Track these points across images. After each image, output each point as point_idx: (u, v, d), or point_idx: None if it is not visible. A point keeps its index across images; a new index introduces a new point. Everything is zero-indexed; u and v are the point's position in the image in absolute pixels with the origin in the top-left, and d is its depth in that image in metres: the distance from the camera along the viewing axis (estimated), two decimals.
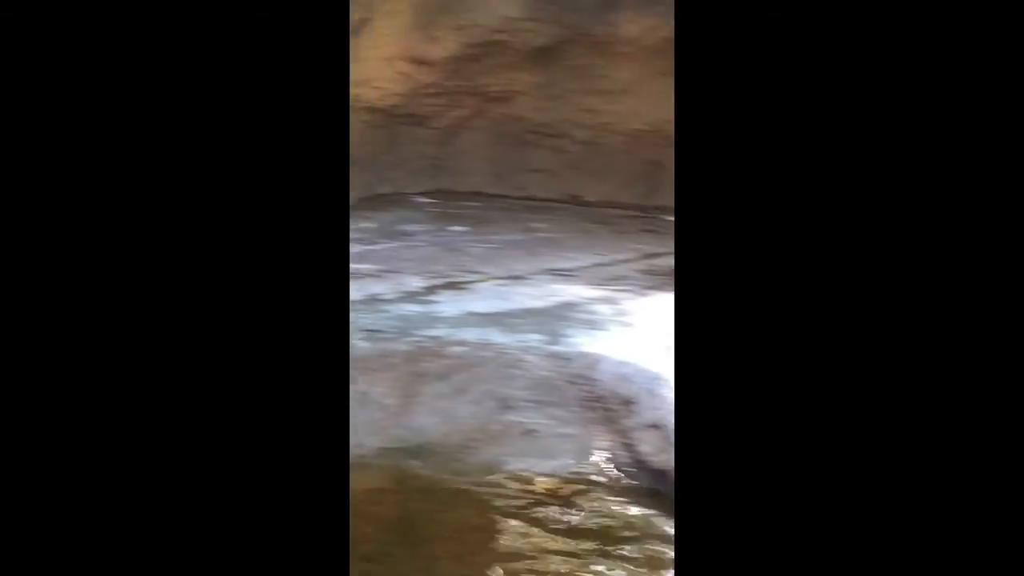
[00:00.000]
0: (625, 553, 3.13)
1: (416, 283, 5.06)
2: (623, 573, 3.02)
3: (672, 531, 3.23)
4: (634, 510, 3.37)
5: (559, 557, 3.10)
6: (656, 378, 3.77)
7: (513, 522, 3.30)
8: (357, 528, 3.12)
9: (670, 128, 6.81)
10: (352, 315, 4.68)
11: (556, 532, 3.23)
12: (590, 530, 3.26)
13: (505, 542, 3.18)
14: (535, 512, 3.36)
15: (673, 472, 3.41)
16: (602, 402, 3.84)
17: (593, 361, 4.00)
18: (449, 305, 4.68)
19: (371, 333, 4.40)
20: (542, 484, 3.51)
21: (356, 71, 6.67)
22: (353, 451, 3.52)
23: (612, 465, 3.61)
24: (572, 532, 3.24)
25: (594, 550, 3.14)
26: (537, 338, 4.21)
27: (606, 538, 3.21)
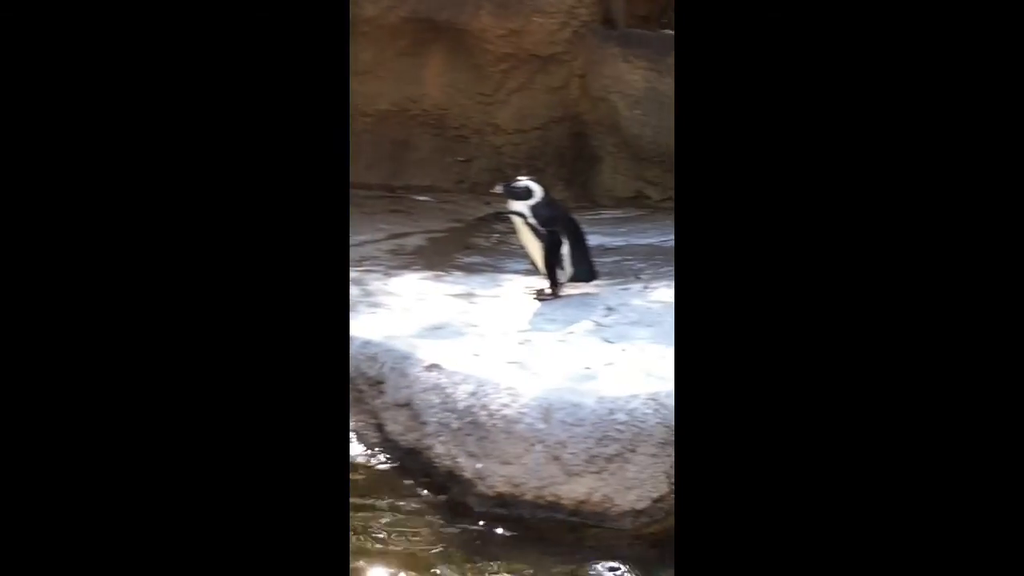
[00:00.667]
0: (384, 530, 3.14)
1: None
2: (377, 555, 3.02)
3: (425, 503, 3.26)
4: (385, 490, 3.39)
5: None
6: (404, 357, 3.78)
7: None
8: None
9: (415, 107, 6.81)
10: None
11: None
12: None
13: None
14: None
15: (425, 451, 3.45)
16: (351, 383, 3.82)
17: None
18: None
19: None
20: None
21: None
22: None
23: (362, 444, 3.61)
24: None
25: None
26: None
27: (358, 518, 3.21)
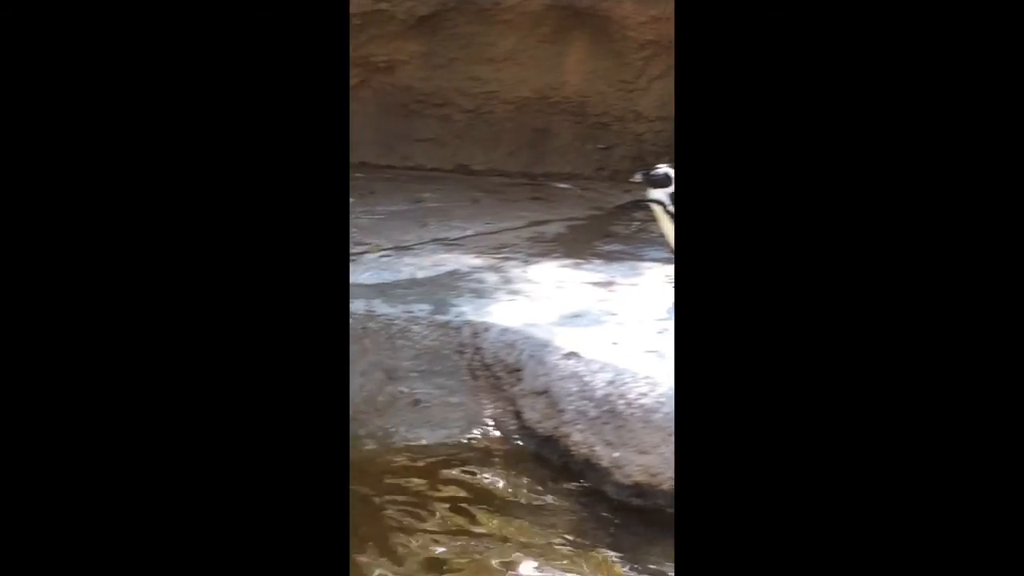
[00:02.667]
0: (515, 520, 3.16)
1: None
2: (514, 542, 3.05)
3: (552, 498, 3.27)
4: (523, 478, 3.41)
5: (450, 527, 3.11)
6: (542, 345, 3.79)
7: (402, 494, 3.31)
8: None
9: (556, 95, 6.81)
10: None
11: (446, 500, 3.25)
12: (480, 499, 3.28)
13: (394, 512, 3.18)
14: (423, 481, 3.38)
15: (562, 439, 3.45)
16: (489, 370, 3.86)
17: (479, 329, 4.00)
18: None
19: None
20: None
21: None
22: None
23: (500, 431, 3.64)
24: (461, 502, 3.26)
25: (484, 518, 3.16)
26: (424, 308, 4.20)
27: (495, 506, 3.24)
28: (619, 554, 3.00)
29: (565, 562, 2.95)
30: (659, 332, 3.82)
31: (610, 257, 4.95)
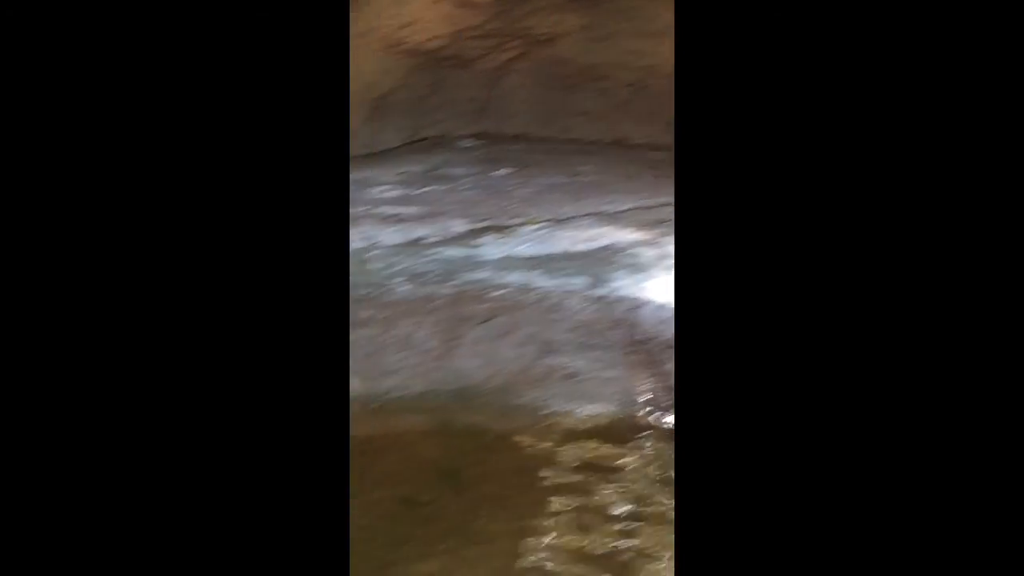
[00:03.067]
0: (664, 495, 3.15)
1: (460, 226, 5.07)
2: (665, 519, 3.04)
3: None
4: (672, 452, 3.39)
5: (599, 498, 3.13)
6: None
7: (555, 466, 3.33)
8: (399, 470, 3.17)
9: None
10: (396, 258, 4.69)
11: (597, 475, 3.26)
12: (631, 473, 3.29)
13: (547, 485, 3.21)
14: (576, 455, 3.39)
15: None
16: (644, 345, 3.85)
17: (635, 305, 3.99)
18: (492, 248, 4.69)
19: (414, 276, 4.42)
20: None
21: (402, 13, 6.64)
22: (395, 393, 3.57)
23: (654, 407, 3.62)
24: (612, 476, 3.27)
25: (635, 492, 3.17)
26: (580, 281, 4.21)
27: (650, 482, 3.24)
28: None
29: None
30: None
31: None
